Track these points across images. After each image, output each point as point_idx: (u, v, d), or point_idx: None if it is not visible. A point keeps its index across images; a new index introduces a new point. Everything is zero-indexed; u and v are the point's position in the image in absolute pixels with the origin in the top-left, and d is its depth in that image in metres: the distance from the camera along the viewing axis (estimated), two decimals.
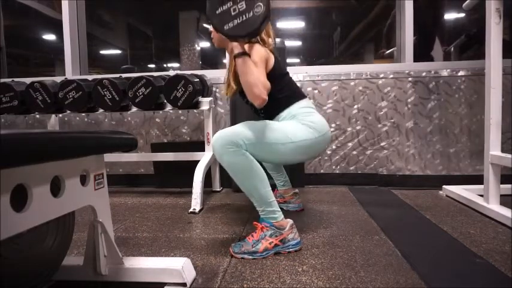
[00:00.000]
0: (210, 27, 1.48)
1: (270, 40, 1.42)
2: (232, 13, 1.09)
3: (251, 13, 1.07)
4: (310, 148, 1.36)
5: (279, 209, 1.30)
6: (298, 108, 1.41)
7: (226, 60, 2.49)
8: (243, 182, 1.27)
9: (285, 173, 1.86)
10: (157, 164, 2.56)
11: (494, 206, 1.67)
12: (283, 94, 1.41)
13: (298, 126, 1.35)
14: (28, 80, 2.21)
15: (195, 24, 4.63)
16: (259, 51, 1.30)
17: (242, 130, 1.26)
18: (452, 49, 3.04)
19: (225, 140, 1.22)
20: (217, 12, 1.11)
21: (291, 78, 1.51)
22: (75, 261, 1.08)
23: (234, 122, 2.29)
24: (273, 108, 1.41)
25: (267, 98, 1.22)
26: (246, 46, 1.25)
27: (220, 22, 1.11)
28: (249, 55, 1.23)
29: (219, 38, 1.44)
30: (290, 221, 1.31)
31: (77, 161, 0.89)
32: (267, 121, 1.36)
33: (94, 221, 0.99)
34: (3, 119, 2.69)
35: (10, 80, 2.33)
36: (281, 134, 1.31)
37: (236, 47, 1.21)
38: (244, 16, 1.08)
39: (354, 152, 2.47)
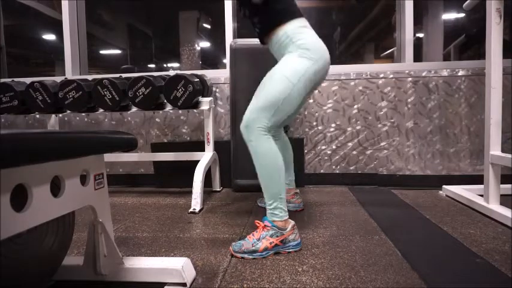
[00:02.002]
0: None
1: None
2: None
3: None
4: (314, 74, 1.32)
5: (286, 209, 1.31)
6: (294, 27, 1.35)
7: (226, 60, 2.49)
8: (262, 171, 1.29)
9: (293, 172, 1.85)
10: (157, 164, 2.56)
11: (494, 206, 1.67)
12: (280, 5, 1.37)
13: (295, 61, 1.31)
14: (28, 80, 2.21)
15: (195, 24, 4.63)
16: None
17: (262, 107, 1.28)
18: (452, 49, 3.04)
19: (255, 126, 1.27)
20: None
21: None
22: (75, 261, 1.08)
23: (234, 122, 2.30)
24: (268, 20, 1.37)
25: None
26: None
27: None
28: None
29: None
30: (292, 222, 1.31)
31: (77, 161, 0.89)
32: (271, 76, 1.33)
33: (94, 221, 0.99)
34: (3, 119, 2.69)
35: (10, 80, 2.33)
36: (286, 82, 1.28)
37: None
38: None
39: (354, 152, 2.47)
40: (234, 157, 2.31)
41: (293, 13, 1.39)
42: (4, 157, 0.62)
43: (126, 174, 2.65)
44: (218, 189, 2.38)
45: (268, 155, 1.28)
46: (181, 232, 1.55)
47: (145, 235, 1.53)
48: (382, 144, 2.45)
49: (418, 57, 2.79)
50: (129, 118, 2.63)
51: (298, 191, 1.87)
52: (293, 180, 1.87)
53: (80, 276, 1.05)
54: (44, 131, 1.41)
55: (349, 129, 2.46)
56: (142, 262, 1.08)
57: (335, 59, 5.09)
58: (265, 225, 1.29)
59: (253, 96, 1.35)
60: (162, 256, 1.29)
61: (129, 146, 1.06)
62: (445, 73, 2.36)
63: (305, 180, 2.46)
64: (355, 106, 2.44)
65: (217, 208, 1.95)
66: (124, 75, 2.34)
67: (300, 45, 1.32)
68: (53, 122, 2.47)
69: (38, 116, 2.58)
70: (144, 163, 2.61)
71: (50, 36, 5.35)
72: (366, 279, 1.06)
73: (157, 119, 2.60)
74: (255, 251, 1.24)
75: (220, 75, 2.53)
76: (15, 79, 2.39)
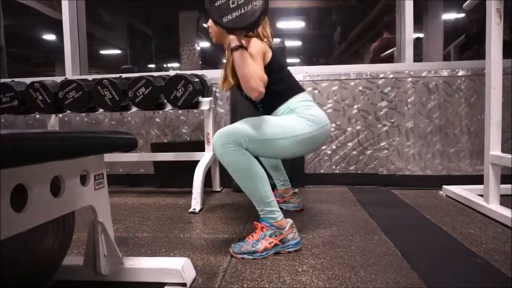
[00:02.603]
0: (208, 22, 1.48)
1: (268, 34, 1.42)
2: (231, 6, 1.10)
3: (250, 6, 1.09)
4: (311, 141, 1.36)
5: (279, 209, 1.30)
6: (296, 101, 1.40)
7: (225, 60, 2.49)
8: (243, 182, 1.27)
9: (284, 172, 1.86)
10: (157, 164, 2.56)
11: (494, 206, 1.67)
12: (281, 87, 1.40)
13: (297, 119, 1.35)
14: (28, 80, 2.21)
15: (195, 24, 4.63)
16: (256, 44, 1.31)
17: (242, 128, 1.26)
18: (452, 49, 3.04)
19: (226, 139, 1.22)
20: (215, 4, 1.12)
21: (289, 71, 1.50)
22: (75, 261, 1.08)
23: (234, 122, 2.29)
24: (271, 101, 1.41)
25: (263, 90, 1.22)
26: (244, 40, 1.25)
27: (218, 15, 1.12)
28: (246, 48, 1.23)
29: (217, 32, 1.45)
30: (290, 221, 1.31)
31: (77, 161, 0.89)
32: (266, 116, 1.36)
33: (94, 221, 0.99)
34: (3, 119, 2.69)
35: (10, 80, 2.33)
36: (281, 128, 1.30)
37: (233, 40, 1.22)
38: (242, 9, 1.09)
39: (354, 152, 2.47)
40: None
41: (295, 90, 1.43)
42: (4, 157, 0.62)
43: (126, 174, 2.65)
44: (218, 189, 2.38)
45: (242, 165, 1.24)
46: (181, 232, 1.55)
47: (145, 235, 1.53)
48: (382, 144, 2.45)
49: (418, 56, 2.79)
50: (129, 118, 2.63)
51: (297, 190, 1.86)
52: (287, 180, 1.86)
53: (80, 276, 1.05)
54: (44, 131, 1.41)
55: (349, 129, 2.46)
56: (142, 262, 1.08)
57: (335, 59, 5.11)
58: (263, 226, 1.29)
59: (241, 120, 1.32)
60: (162, 256, 1.29)
61: (129, 146, 1.06)
62: (445, 73, 2.36)
63: (305, 180, 2.46)
64: (355, 106, 2.44)
65: (217, 208, 1.95)
66: (124, 75, 2.34)
67: (302, 113, 1.36)
68: (53, 122, 2.47)
69: (38, 116, 2.58)
70: (144, 163, 2.61)
71: (50, 36, 5.35)
72: (366, 279, 1.06)
73: (157, 119, 2.60)
74: (255, 252, 1.24)
75: (220, 75, 2.52)
76: (15, 79, 2.38)
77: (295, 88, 1.45)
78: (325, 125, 1.39)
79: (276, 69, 1.39)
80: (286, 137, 1.30)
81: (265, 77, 1.25)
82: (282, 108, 1.40)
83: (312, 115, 1.36)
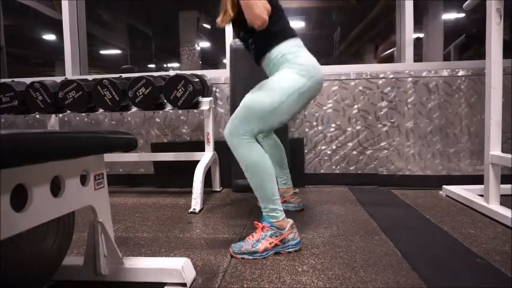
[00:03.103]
0: None
1: None
2: None
3: None
4: (307, 93, 1.34)
5: (282, 209, 1.31)
6: (289, 47, 1.37)
7: (226, 60, 2.49)
8: (252, 177, 1.28)
9: (288, 171, 1.85)
10: (157, 164, 2.56)
11: (494, 206, 1.67)
12: (277, 28, 1.38)
13: (289, 75, 1.32)
14: (28, 80, 2.21)
15: (195, 24, 4.63)
16: None
17: (247, 114, 1.28)
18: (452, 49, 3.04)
19: (240, 130, 1.26)
20: None
21: (284, 14, 1.47)
22: (75, 261, 1.08)
23: None
24: (264, 41, 1.38)
25: (267, 18, 1.23)
26: None
27: None
28: None
29: None
30: (290, 221, 1.31)
31: (77, 161, 0.89)
32: (261, 86, 1.34)
33: (94, 221, 0.99)
34: (3, 119, 2.69)
35: (10, 80, 2.33)
36: (278, 93, 1.29)
37: None
38: None
39: (354, 152, 2.46)
40: (234, 157, 2.30)
41: (288, 34, 1.41)
42: (4, 157, 0.62)
43: (126, 174, 2.65)
44: (218, 189, 2.38)
45: (254, 160, 1.27)
46: (181, 232, 1.55)
47: (145, 235, 1.53)
48: (382, 144, 2.45)
49: (418, 56, 2.79)
50: (129, 118, 2.63)
51: (297, 190, 1.86)
52: (290, 180, 1.86)
53: (80, 276, 1.05)
54: (44, 131, 1.41)
55: (349, 129, 2.46)
56: (142, 262, 1.08)
57: (335, 59, 5.10)
58: (263, 226, 1.29)
59: (242, 101, 1.33)
60: (162, 256, 1.29)
61: (129, 146, 1.06)
62: (445, 73, 2.36)
63: (305, 180, 2.46)
64: (355, 106, 2.44)
65: (217, 208, 1.95)
66: (124, 75, 2.34)
67: (295, 63, 1.33)
68: (53, 122, 2.47)
69: (38, 116, 2.58)
70: (144, 163, 2.61)
71: (50, 36, 5.35)
72: (366, 279, 1.06)
73: (157, 119, 2.60)
74: (255, 252, 1.24)
75: (220, 75, 2.53)
76: (15, 79, 2.38)
77: (289, 32, 1.42)
78: (317, 73, 1.36)
79: (273, 6, 1.36)
80: (285, 98, 1.29)
81: (268, 6, 1.25)
82: (275, 52, 1.36)
83: (303, 64, 1.33)
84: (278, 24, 1.39)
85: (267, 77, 1.40)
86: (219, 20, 1.45)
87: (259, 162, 1.27)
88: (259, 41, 1.37)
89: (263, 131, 1.33)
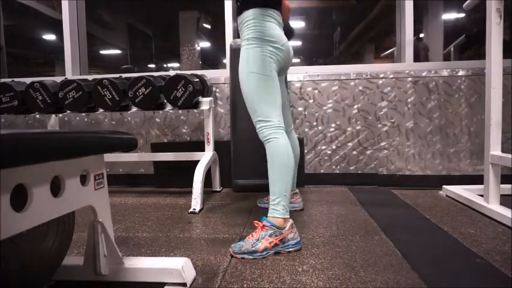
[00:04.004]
0: None
1: None
2: None
3: None
4: (273, 57, 1.37)
5: (288, 208, 1.32)
6: (259, 14, 1.38)
7: (226, 60, 2.49)
8: (275, 169, 1.32)
9: (296, 173, 1.85)
10: (157, 164, 2.56)
11: (494, 206, 1.67)
12: None
13: (251, 54, 1.36)
14: (28, 80, 2.21)
15: (195, 24, 4.63)
16: None
17: (251, 105, 1.36)
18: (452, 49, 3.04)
19: (264, 125, 1.33)
20: None
21: None
22: (75, 261, 1.08)
23: (234, 122, 2.30)
24: None
25: None
26: None
27: None
28: None
29: None
30: (290, 221, 1.31)
31: (77, 161, 0.89)
32: (241, 79, 1.39)
33: (94, 221, 0.99)
34: (3, 119, 2.69)
35: (10, 80, 2.33)
36: (254, 76, 1.35)
37: None
38: None
39: (354, 152, 2.47)
40: (234, 157, 2.31)
41: (269, 1, 1.42)
42: (4, 157, 0.62)
43: (126, 174, 2.65)
44: (218, 189, 2.38)
45: (281, 151, 1.32)
46: (181, 232, 1.55)
47: (145, 235, 1.53)
48: (382, 144, 2.45)
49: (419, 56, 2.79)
50: (129, 118, 2.63)
51: (297, 190, 1.87)
52: (295, 182, 1.86)
53: (80, 276, 1.05)
54: (44, 131, 1.41)
55: (349, 129, 2.46)
56: (142, 262, 1.08)
57: (335, 59, 5.10)
58: (263, 225, 1.29)
59: (249, 100, 1.39)
60: (162, 256, 1.29)
61: (129, 146, 1.06)
62: (445, 73, 2.36)
63: (305, 180, 2.46)
64: (355, 106, 2.44)
65: (217, 208, 1.95)
66: (124, 75, 2.34)
67: (253, 32, 1.37)
68: (53, 122, 2.47)
69: (38, 116, 2.58)
70: (144, 163, 2.61)
71: (50, 36, 5.35)
72: (366, 279, 1.06)
73: (157, 119, 2.60)
74: (255, 252, 1.24)
75: (220, 75, 2.53)
76: (15, 79, 2.38)
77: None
78: (277, 40, 1.39)
79: None
80: (261, 73, 1.34)
81: None
82: (247, 14, 1.40)
83: (262, 30, 1.36)
84: None
85: None
86: None
87: (285, 153, 1.32)
88: None
89: (274, 113, 1.35)
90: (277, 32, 1.41)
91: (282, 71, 1.49)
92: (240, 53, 1.41)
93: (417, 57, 2.94)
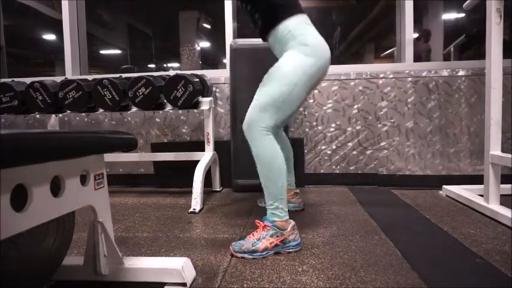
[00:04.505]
0: None
1: None
2: None
3: None
4: (315, 74, 1.32)
5: (286, 210, 1.31)
6: (296, 23, 1.34)
7: (226, 60, 2.49)
8: (265, 172, 1.28)
9: (293, 173, 1.85)
10: (157, 164, 2.56)
11: (494, 206, 1.67)
12: (283, 1, 1.36)
13: (296, 59, 1.30)
14: (28, 80, 2.21)
15: (195, 24, 4.63)
16: None
17: (263, 105, 1.28)
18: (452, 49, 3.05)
19: (257, 124, 1.27)
20: None
21: None
22: (75, 261, 1.08)
23: (234, 122, 2.30)
24: (270, 15, 1.36)
25: None
26: None
27: None
28: None
29: None
30: (292, 222, 1.31)
31: (77, 161, 0.89)
32: (271, 74, 1.33)
33: (94, 221, 0.99)
34: (3, 119, 2.69)
35: (10, 80, 2.33)
36: (288, 79, 1.28)
37: None
38: None
39: (354, 152, 2.47)
40: (234, 157, 2.31)
41: (295, 9, 1.38)
42: (4, 157, 0.62)
43: (126, 174, 2.65)
44: (218, 189, 2.38)
45: (270, 155, 1.27)
46: (181, 232, 1.55)
47: (145, 235, 1.53)
48: (382, 144, 2.45)
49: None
50: (129, 118, 2.63)
51: (298, 190, 1.87)
52: (293, 181, 1.86)
53: (80, 276, 1.05)
54: (44, 131, 1.41)
55: (349, 129, 2.46)
56: (142, 262, 1.08)
57: (335, 59, 5.11)
58: (265, 225, 1.29)
59: (255, 95, 1.34)
60: (162, 256, 1.29)
61: (129, 146, 1.06)
62: (445, 73, 2.36)
63: (305, 180, 2.46)
64: (355, 106, 2.44)
65: (217, 208, 1.95)
66: (124, 75, 2.34)
67: (301, 42, 1.31)
68: (53, 122, 2.47)
69: (38, 116, 2.58)
70: (144, 163, 2.61)
71: (50, 36, 5.35)
72: (366, 279, 1.06)
73: (157, 119, 2.60)
74: (255, 251, 1.24)
75: (220, 75, 2.53)
76: (15, 79, 2.38)
77: (297, 7, 1.39)
78: (324, 52, 1.34)
79: None
80: (298, 81, 1.28)
81: None
82: (281, 27, 1.33)
83: (308, 45, 1.30)
84: None
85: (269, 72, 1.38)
86: None
87: (273, 157, 1.27)
88: (266, 14, 1.35)
89: (280, 121, 1.31)
90: (321, 41, 1.35)
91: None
92: (286, 55, 1.33)
93: (426, 58, 2.94)
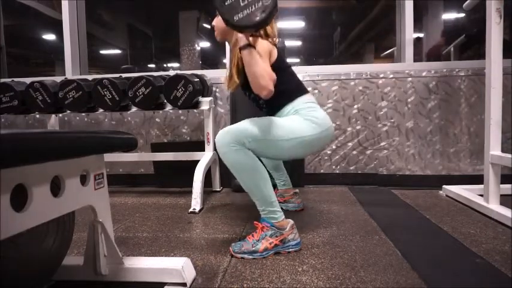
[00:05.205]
0: (213, 22, 1.48)
1: (274, 32, 1.41)
2: (241, 4, 1.07)
3: (260, 3, 1.06)
4: (314, 143, 1.36)
5: (280, 209, 1.30)
6: (301, 103, 1.39)
7: (226, 60, 2.49)
8: (246, 181, 1.26)
9: (285, 172, 1.86)
10: (157, 164, 2.56)
11: (494, 206, 1.67)
12: (286, 87, 1.39)
13: (301, 122, 1.34)
14: (28, 80, 2.21)
15: (195, 24, 4.63)
16: (262, 44, 1.31)
17: (245, 128, 1.26)
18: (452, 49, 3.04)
19: (229, 139, 1.23)
20: (226, 3, 1.10)
21: (293, 71, 1.50)
22: (75, 261, 1.08)
23: (234, 122, 2.29)
24: (276, 101, 1.38)
25: (273, 89, 1.21)
26: (250, 39, 1.23)
27: (229, 14, 1.08)
28: (254, 47, 1.22)
29: (222, 30, 1.45)
30: (291, 221, 1.31)
31: (77, 161, 0.89)
32: (271, 117, 1.36)
33: (94, 221, 0.99)
34: (3, 119, 2.69)
35: (10, 80, 2.33)
36: (285, 130, 1.30)
37: (241, 39, 1.20)
38: (253, 7, 1.06)
39: (354, 152, 2.46)
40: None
41: (300, 90, 1.43)
42: (4, 157, 0.62)
43: (126, 174, 2.65)
44: (218, 189, 2.38)
45: (245, 164, 1.24)
46: (181, 232, 1.55)
47: (145, 235, 1.53)
48: (382, 144, 2.45)
49: (418, 56, 2.79)
50: (129, 118, 2.63)
51: (297, 190, 1.87)
52: (288, 180, 1.86)
53: (80, 276, 1.05)
54: (44, 131, 1.41)
55: (349, 129, 2.46)
56: (142, 262, 1.08)
57: (335, 59, 5.10)
58: (264, 226, 1.29)
59: (245, 120, 1.31)
60: (162, 256, 1.29)
61: (129, 146, 1.06)
62: (445, 73, 2.36)
63: (305, 180, 2.46)
64: (355, 106, 2.44)
65: (217, 208, 1.95)
66: (124, 75, 2.34)
67: (308, 114, 1.36)
68: (53, 122, 2.47)
69: (38, 116, 2.58)
70: (144, 163, 2.61)
71: (50, 36, 5.35)
72: (366, 279, 1.06)
73: (157, 119, 2.60)
74: (255, 252, 1.24)
75: (220, 75, 2.52)
76: (15, 79, 2.38)
77: (300, 89, 1.45)
78: (329, 128, 1.39)
79: (281, 69, 1.37)
80: (290, 139, 1.30)
81: (274, 75, 1.23)
82: (288, 108, 1.39)
83: (317, 118, 1.36)
84: (289, 83, 1.42)
85: None
86: (225, 84, 1.47)
87: (250, 166, 1.24)
88: (270, 101, 1.35)
89: (255, 152, 1.27)
90: (326, 115, 1.41)
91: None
92: (295, 116, 1.36)
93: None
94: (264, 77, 1.19)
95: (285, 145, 1.30)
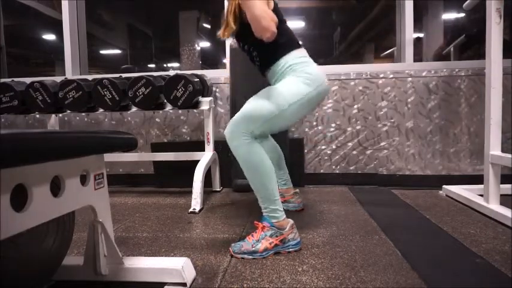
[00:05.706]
0: None
1: None
2: None
3: None
4: (313, 100, 1.37)
5: (282, 209, 1.31)
6: (295, 57, 1.38)
7: (226, 60, 2.49)
8: (253, 177, 1.29)
9: (287, 172, 1.85)
10: (157, 164, 2.56)
11: (494, 206, 1.67)
12: (281, 40, 1.37)
13: (296, 82, 1.33)
14: (28, 80, 2.21)
15: (195, 24, 4.63)
16: None
17: (250, 114, 1.29)
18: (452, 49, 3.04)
19: (240, 130, 1.26)
20: None
21: (288, 26, 1.48)
22: (75, 261, 1.08)
23: None
24: (270, 53, 1.38)
25: (275, 30, 1.21)
26: None
27: None
28: None
29: None
30: (290, 221, 1.31)
31: (77, 161, 0.89)
32: (267, 89, 1.35)
33: (94, 221, 0.99)
34: (3, 119, 2.69)
35: (10, 80, 2.33)
36: (284, 97, 1.30)
37: None
38: None
39: (354, 152, 2.46)
40: (234, 157, 2.30)
41: (294, 45, 1.42)
42: (4, 157, 0.62)
43: (126, 174, 2.65)
44: (218, 189, 2.38)
45: (255, 160, 1.27)
46: (181, 232, 1.55)
47: (145, 235, 1.53)
48: (382, 144, 2.45)
49: (418, 56, 2.79)
50: (129, 118, 2.63)
51: (297, 190, 1.86)
52: (289, 180, 1.86)
53: (80, 276, 1.05)
54: (44, 131, 1.41)
55: (349, 129, 2.46)
56: (142, 262, 1.08)
57: (334, 59, 5.10)
58: (264, 226, 1.29)
59: (246, 103, 1.34)
60: (162, 256, 1.29)
61: (129, 146, 1.06)
62: (445, 73, 2.36)
63: (305, 180, 2.46)
64: (355, 106, 2.44)
65: (217, 208, 1.95)
66: (124, 75, 2.34)
67: (302, 72, 1.35)
68: (53, 122, 2.47)
69: (38, 116, 2.58)
70: (144, 163, 2.61)
71: (50, 36, 5.35)
72: (365, 279, 1.06)
73: (157, 119, 2.60)
74: (255, 252, 1.24)
75: (220, 75, 2.53)
76: (15, 79, 2.38)
77: (294, 43, 1.43)
78: (323, 83, 1.39)
79: (278, 20, 1.35)
80: (291, 104, 1.30)
81: (275, 17, 1.23)
82: (281, 62, 1.37)
83: (311, 73, 1.35)
84: (283, 36, 1.39)
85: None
86: (220, 32, 1.46)
87: (260, 162, 1.27)
88: (265, 53, 1.37)
89: (264, 134, 1.35)
90: (319, 71, 1.40)
91: None
92: (288, 78, 1.35)
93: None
94: (265, 18, 1.19)
95: (288, 113, 1.31)
